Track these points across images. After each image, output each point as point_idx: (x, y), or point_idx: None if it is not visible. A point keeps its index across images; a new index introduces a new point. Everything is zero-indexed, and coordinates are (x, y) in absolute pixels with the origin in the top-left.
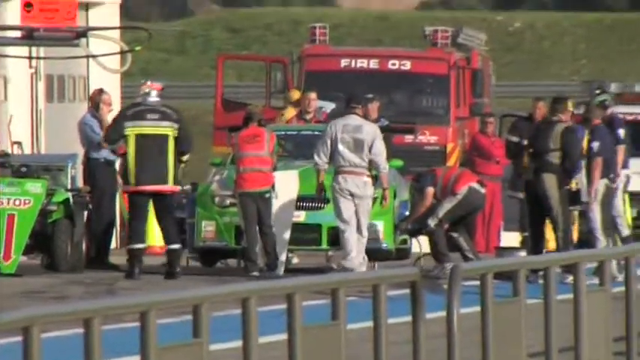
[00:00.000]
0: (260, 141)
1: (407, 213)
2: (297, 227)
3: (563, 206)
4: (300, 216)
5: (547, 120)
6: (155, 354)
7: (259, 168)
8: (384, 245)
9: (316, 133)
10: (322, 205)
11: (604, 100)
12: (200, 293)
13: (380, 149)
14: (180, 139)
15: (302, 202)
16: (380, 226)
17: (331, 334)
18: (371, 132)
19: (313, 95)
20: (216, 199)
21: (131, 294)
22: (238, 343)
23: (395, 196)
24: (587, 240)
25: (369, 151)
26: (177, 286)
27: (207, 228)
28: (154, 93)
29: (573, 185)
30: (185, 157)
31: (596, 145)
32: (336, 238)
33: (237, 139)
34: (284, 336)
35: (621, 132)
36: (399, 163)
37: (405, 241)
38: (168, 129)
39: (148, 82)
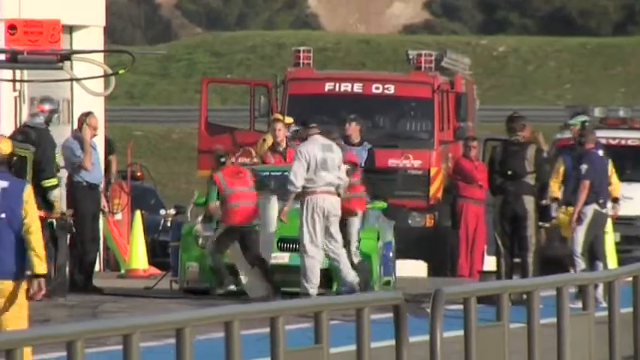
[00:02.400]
0: (244, 177)
1: (391, 254)
2: (282, 269)
3: (537, 229)
4: (285, 257)
5: (514, 142)
6: None
7: (248, 202)
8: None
9: (286, 173)
10: None
11: (584, 120)
12: (183, 316)
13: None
14: (37, 163)
15: (286, 243)
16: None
17: (314, 357)
18: (338, 150)
19: (279, 125)
20: (200, 240)
21: (114, 317)
22: None
23: (378, 238)
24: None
25: (338, 168)
26: (161, 309)
27: (191, 269)
28: (39, 115)
29: (543, 202)
30: (45, 183)
31: (584, 167)
32: (322, 279)
33: (221, 177)
34: (267, 359)
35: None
36: (382, 204)
37: (388, 282)
38: (26, 151)
39: (38, 104)
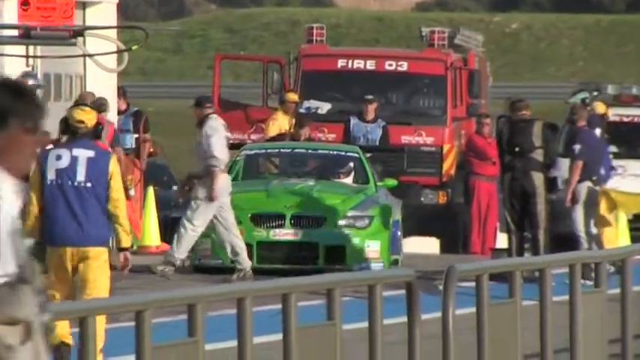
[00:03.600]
0: None
1: (399, 233)
2: (293, 246)
3: (546, 206)
4: (297, 234)
5: (520, 119)
6: (150, 353)
7: None
8: (379, 265)
9: (310, 151)
10: (318, 225)
11: (584, 97)
12: (195, 293)
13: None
14: None
15: (298, 220)
16: (376, 245)
17: (327, 334)
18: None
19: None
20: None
21: (127, 293)
22: (233, 343)
23: (390, 215)
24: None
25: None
26: (173, 286)
27: (203, 246)
28: None
29: (550, 174)
30: None
31: (577, 147)
32: (333, 256)
33: None
34: (279, 336)
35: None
36: (393, 182)
37: (396, 261)
38: None
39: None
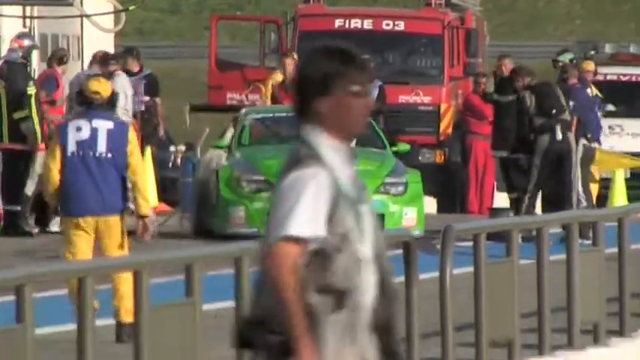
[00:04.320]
0: None
1: None
2: None
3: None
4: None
5: (543, 82)
6: (148, 313)
7: None
8: (417, 232)
9: None
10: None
11: (572, 58)
12: (192, 253)
13: None
14: (7, 96)
15: None
16: (413, 212)
17: None
18: None
19: (288, 60)
20: (243, 184)
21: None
22: (231, 303)
23: (420, 181)
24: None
25: None
26: (170, 246)
27: (237, 214)
28: (16, 50)
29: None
30: (15, 115)
31: (571, 104)
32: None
33: None
34: None
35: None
36: (405, 147)
37: None
38: None
39: (16, 39)
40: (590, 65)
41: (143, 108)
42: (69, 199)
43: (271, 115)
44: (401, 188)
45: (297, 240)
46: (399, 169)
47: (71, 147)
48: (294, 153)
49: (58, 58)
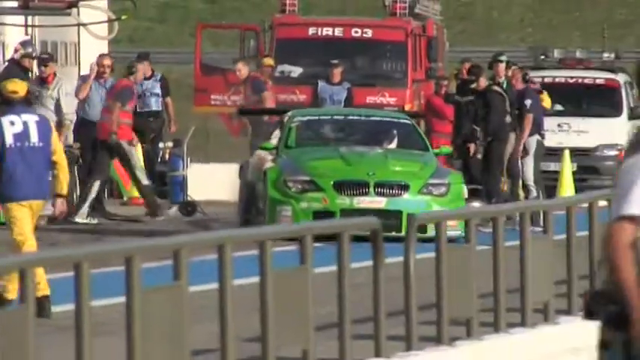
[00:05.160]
0: None
1: None
2: (376, 213)
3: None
4: (382, 202)
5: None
6: (139, 295)
7: None
8: (458, 232)
9: (362, 117)
10: (402, 192)
11: (508, 61)
12: (180, 240)
13: None
14: None
15: (382, 188)
16: None
17: (299, 277)
18: None
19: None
20: (290, 184)
21: (117, 240)
22: (215, 286)
23: (461, 182)
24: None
25: None
26: (159, 234)
27: (284, 213)
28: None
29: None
30: None
31: (529, 102)
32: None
33: None
34: (256, 279)
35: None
36: (448, 149)
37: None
38: None
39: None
40: (517, 72)
41: (161, 107)
42: (11, 186)
43: (317, 117)
44: (443, 189)
45: (631, 219)
46: (442, 170)
47: (9, 140)
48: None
49: (127, 68)
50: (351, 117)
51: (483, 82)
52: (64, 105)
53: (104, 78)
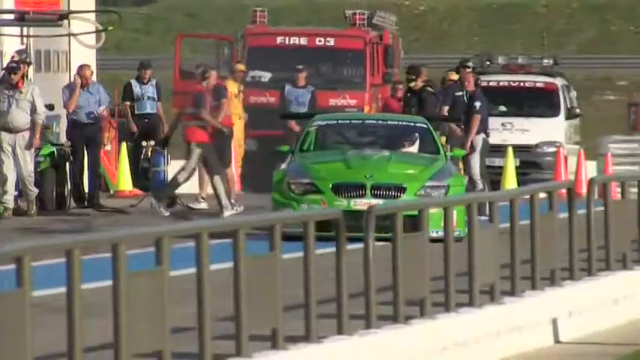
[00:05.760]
0: None
1: None
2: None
3: None
4: (378, 204)
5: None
6: (125, 279)
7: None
8: (457, 233)
9: (380, 122)
10: (399, 194)
11: (474, 67)
12: (161, 229)
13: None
14: None
15: (379, 190)
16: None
17: (270, 262)
18: None
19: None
20: (293, 187)
21: (105, 229)
22: (193, 270)
23: (464, 185)
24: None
25: None
26: (143, 223)
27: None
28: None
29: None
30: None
31: (478, 104)
32: (411, 226)
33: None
34: (230, 264)
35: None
36: (461, 152)
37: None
38: None
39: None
40: (454, 75)
41: (155, 110)
42: None
43: (334, 122)
44: (442, 191)
45: None
46: (444, 173)
47: None
48: None
49: (200, 74)
50: (369, 121)
51: (420, 83)
52: (39, 106)
53: (88, 84)
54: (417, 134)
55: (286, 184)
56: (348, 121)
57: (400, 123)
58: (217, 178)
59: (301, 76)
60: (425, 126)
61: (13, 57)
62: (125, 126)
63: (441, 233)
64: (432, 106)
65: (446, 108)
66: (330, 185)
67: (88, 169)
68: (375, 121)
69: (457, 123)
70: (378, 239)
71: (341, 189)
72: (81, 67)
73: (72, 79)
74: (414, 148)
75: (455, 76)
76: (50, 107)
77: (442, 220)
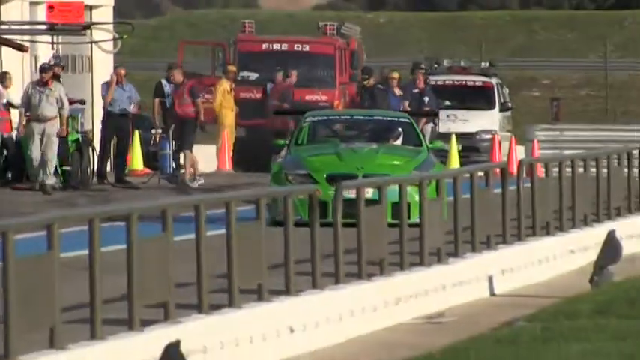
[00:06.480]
0: None
1: None
2: (365, 202)
3: None
4: (369, 192)
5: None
6: (137, 244)
7: None
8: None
9: (367, 118)
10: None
11: (426, 68)
12: (166, 202)
13: None
14: None
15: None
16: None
17: (256, 230)
18: None
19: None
20: (290, 178)
21: (120, 203)
22: (193, 236)
23: None
24: None
25: None
26: (151, 198)
27: (282, 204)
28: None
29: None
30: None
31: (426, 99)
32: (399, 212)
33: None
34: (223, 231)
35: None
36: (442, 144)
37: None
38: None
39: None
40: (395, 74)
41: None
42: None
43: (325, 117)
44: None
45: None
46: (427, 164)
47: None
48: None
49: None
50: (357, 117)
51: (372, 81)
52: (64, 101)
53: (122, 82)
54: (400, 129)
55: (283, 175)
56: (338, 117)
57: (385, 118)
58: (187, 152)
59: (280, 77)
60: (408, 121)
61: (49, 61)
62: (157, 119)
63: (417, 220)
64: (381, 100)
65: (407, 103)
66: (325, 176)
67: (117, 153)
68: (362, 117)
69: (434, 118)
70: (346, 225)
71: (335, 179)
72: (116, 67)
73: (110, 77)
74: (398, 142)
75: (396, 75)
76: (82, 102)
77: (417, 210)
